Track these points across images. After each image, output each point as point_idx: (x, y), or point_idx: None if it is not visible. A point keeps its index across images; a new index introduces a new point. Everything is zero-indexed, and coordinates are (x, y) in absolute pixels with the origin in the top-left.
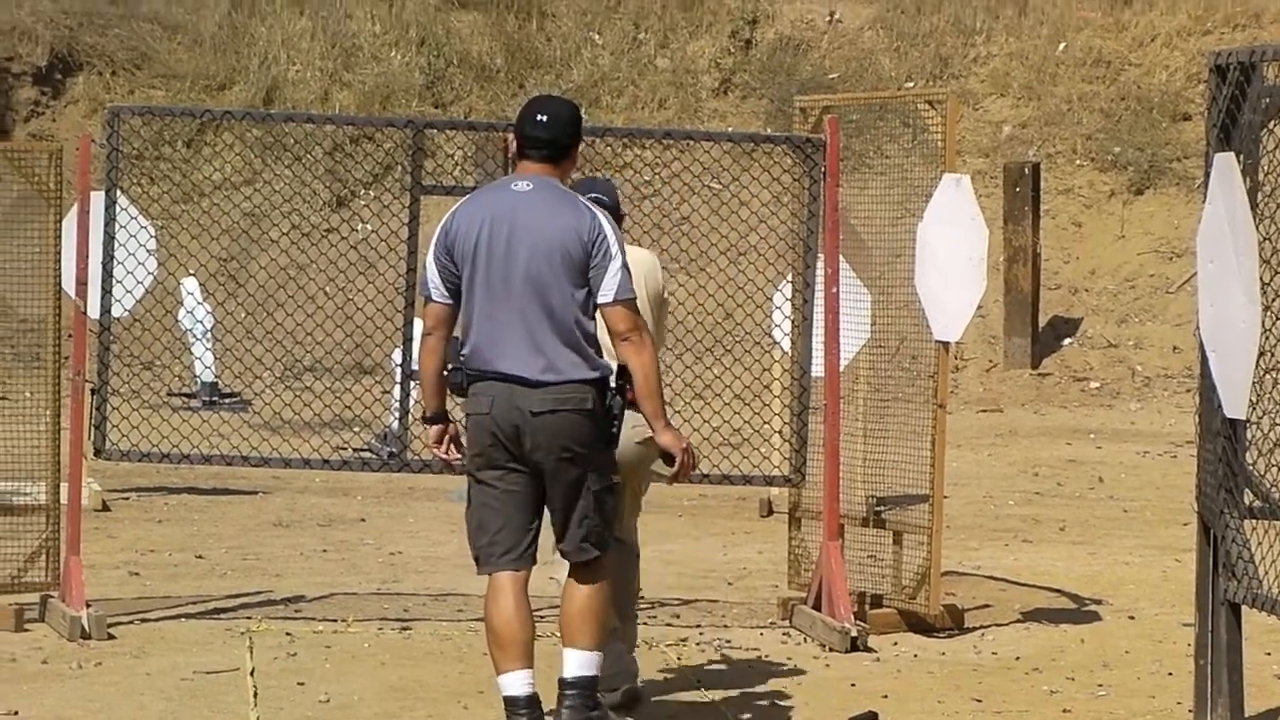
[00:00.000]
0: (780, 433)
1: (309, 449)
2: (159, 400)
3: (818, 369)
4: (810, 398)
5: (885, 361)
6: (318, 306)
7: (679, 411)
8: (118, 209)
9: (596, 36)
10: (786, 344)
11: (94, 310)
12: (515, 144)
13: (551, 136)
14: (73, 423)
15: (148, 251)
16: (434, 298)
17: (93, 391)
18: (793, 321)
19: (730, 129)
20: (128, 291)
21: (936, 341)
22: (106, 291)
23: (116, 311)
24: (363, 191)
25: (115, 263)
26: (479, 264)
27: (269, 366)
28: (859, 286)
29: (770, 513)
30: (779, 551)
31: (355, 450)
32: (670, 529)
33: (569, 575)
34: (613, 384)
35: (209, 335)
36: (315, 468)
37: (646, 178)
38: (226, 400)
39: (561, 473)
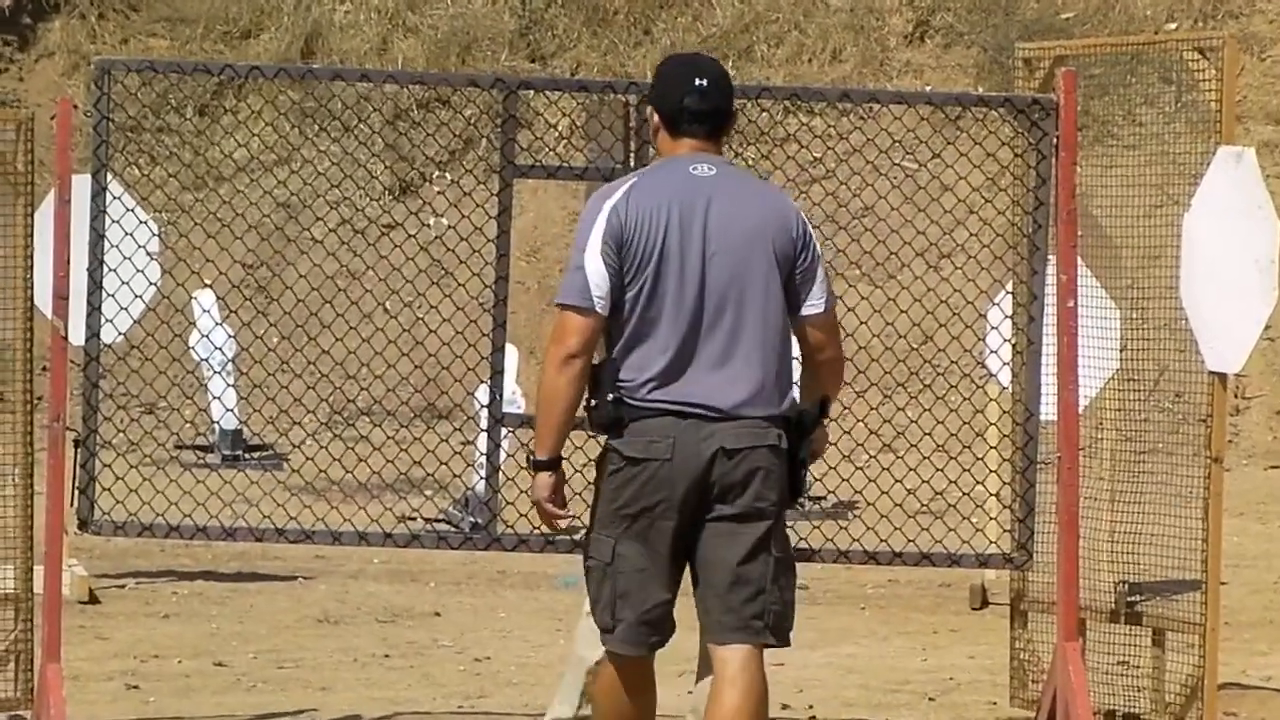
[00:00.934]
0: (998, 496)
1: (364, 519)
2: (164, 455)
3: (1048, 411)
4: (1039, 449)
5: (1140, 400)
6: (376, 328)
7: (861, 468)
8: (108, 198)
9: None
10: (1005, 377)
11: (78, 335)
12: (657, 117)
13: (715, 105)
14: (50, 486)
15: (149, 255)
16: (597, 309)
17: (76, 444)
18: (1014, 347)
19: (928, 88)
20: (122, 309)
21: (1210, 373)
22: (94, 309)
23: (108, 336)
24: (435, 174)
25: (106, 270)
26: (668, 268)
27: (311, 409)
28: (1104, 299)
29: (985, 604)
30: (998, 656)
31: (427, 521)
32: (851, 626)
33: (723, 672)
34: (801, 417)
35: (230, 368)
36: (373, 544)
37: (816, 154)
38: (254, 455)
39: (744, 529)
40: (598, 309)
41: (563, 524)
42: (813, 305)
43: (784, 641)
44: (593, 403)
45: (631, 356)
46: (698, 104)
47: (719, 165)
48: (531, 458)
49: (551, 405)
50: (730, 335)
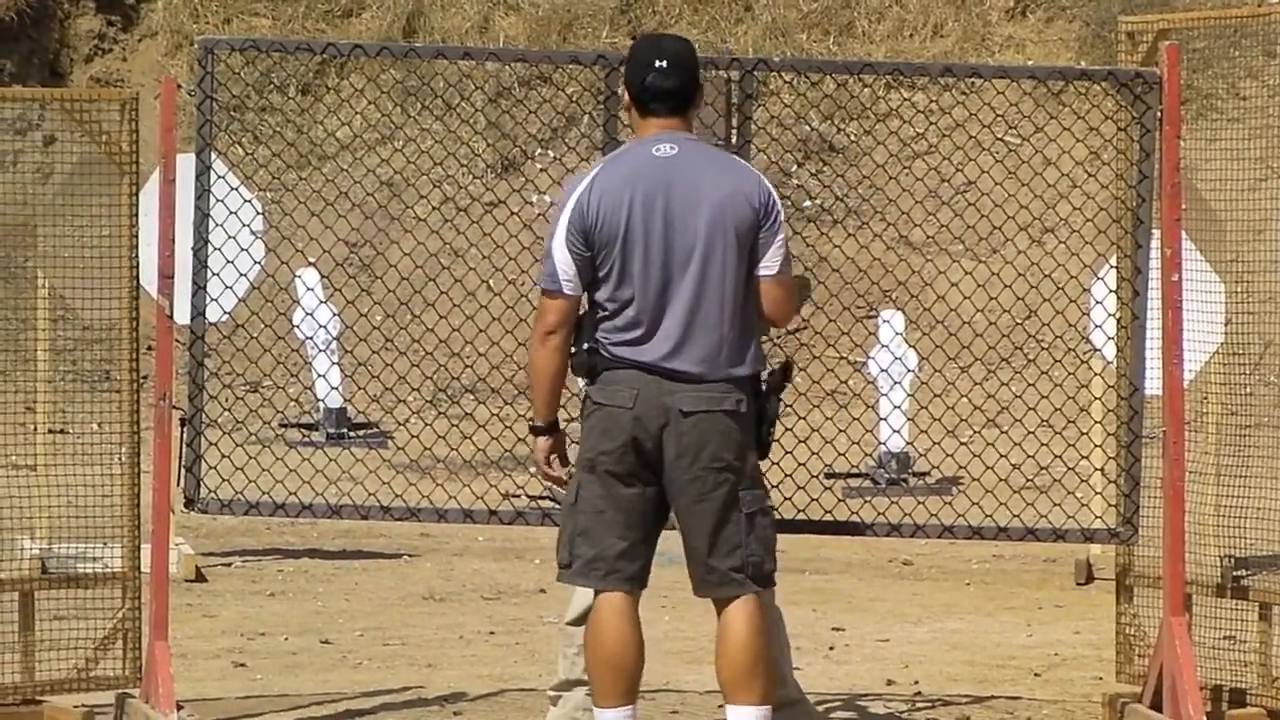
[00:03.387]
0: (1103, 471)
1: (469, 497)
2: (269, 433)
3: (1153, 385)
4: (1144, 424)
5: (1245, 374)
6: (480, 305)
7: (965, 443)
8: (212, 177)
9: None
10: (1110, 352)
11: (183, 314)
12: (629, 97)
13: (680, 83)
14: (156, 464)
15: (253, 234)
16: (565, 291)
17: (182, 422)
18: (1118, 321)
19: (1031, 62)
20: (227, 288)
21: None
22: (200, 288)
23: (213, 315)
24: (538, 152)
25: (211, 249)
26: (633, 248)
27: (415, 387)
28: (1208, 273)
29: (1090, 579)
30: (1103, 631)
31: (531, 499)
32: (955, 601)
33: (721, 620)
34: (765, 380)
35: (335, 346)
36: (478, 522)
37: (919, 129)
38: (359, 433)
39: (708, 488)
40: (566, 291)
41: (565, 479)
42: (766, 268)
43: (765, 585)
44: (572, 350)
45: (607, 321)
46: (659, 83)
47: (682, 143)
48: (530, 423)
49: (538, 376)
50: (692, 304)
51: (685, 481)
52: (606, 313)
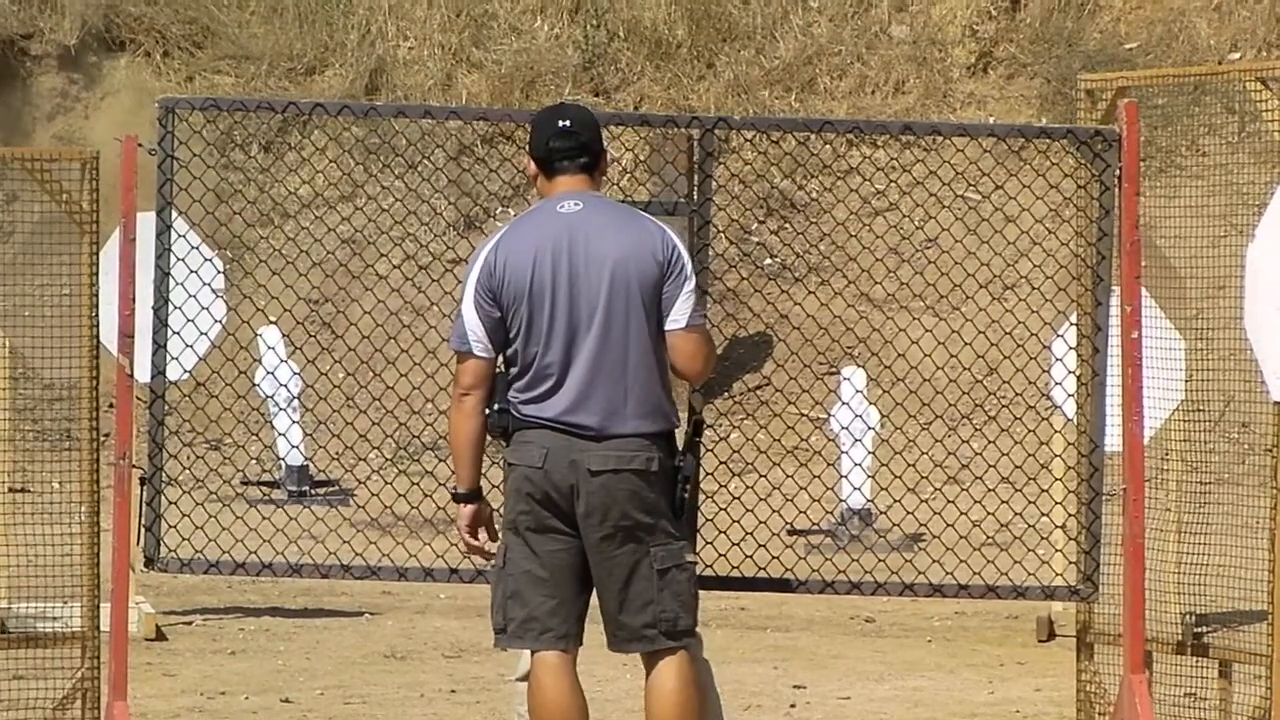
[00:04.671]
0: (1064, 528)
1: (430, 555)
2: (230, 491)
3: (1113, 442)
4: (1104, 481)
5: (1206, 431)
6: (441, 363)
7: (926, 500)
8: (173, 236)
9: None
10: (1070, 408)
11: (143, 372)
12: (533, 165)
13: (583, 141)
14: (116, 523)
15: (214, 292)
16: (476, 352)
17: (142, 481)
18: (1079, 378)
19: (992, 119)
20: (188, 346)
21: (1275, 403)
22: (160, 347)
23: (174, 373)
24: (499, 209)
25: (171, 308)
26: (539, 305)
27: (376, 445)
28: (1168, 330)
29: (1052, 636)
30: (1064, 689)
31: (492, 556)
32: (917, 659)
33: (650, 673)
34: (680, 439)
35: (296, 404)
36: (439, 580)
37: (879, 186)
38: (320, 491)
39: (616, 546)
40: (476, 352)
41: (488, 551)
42: (673, 321)
43: (680, 640)
44: (485, 411)
45: (517, 380)
46: (563, 142)
47: (586, 200)
48: (452, 491)
49: (455, 439)
50: (596, 360)
51: (596, 539)
52: (516, 371)
